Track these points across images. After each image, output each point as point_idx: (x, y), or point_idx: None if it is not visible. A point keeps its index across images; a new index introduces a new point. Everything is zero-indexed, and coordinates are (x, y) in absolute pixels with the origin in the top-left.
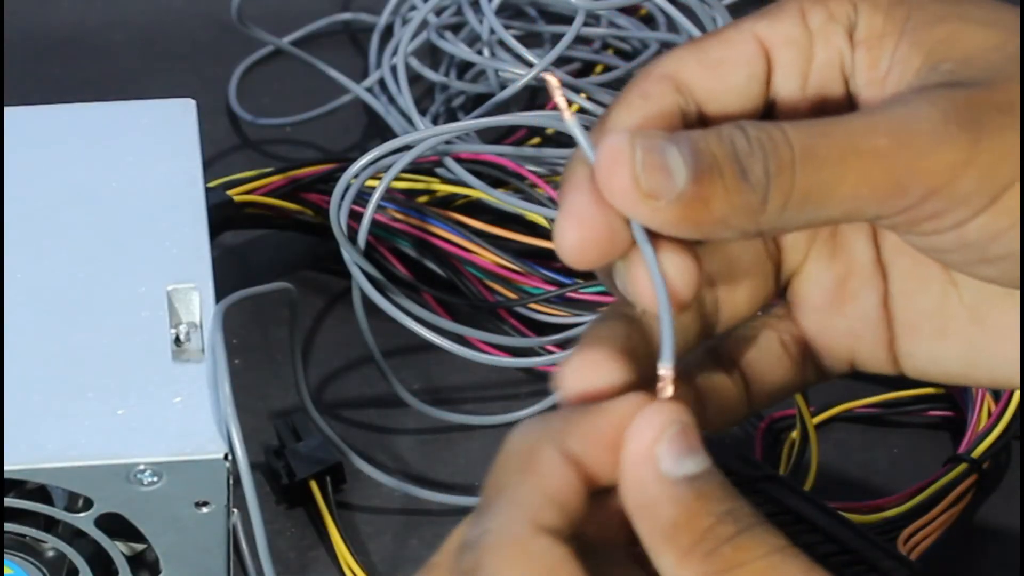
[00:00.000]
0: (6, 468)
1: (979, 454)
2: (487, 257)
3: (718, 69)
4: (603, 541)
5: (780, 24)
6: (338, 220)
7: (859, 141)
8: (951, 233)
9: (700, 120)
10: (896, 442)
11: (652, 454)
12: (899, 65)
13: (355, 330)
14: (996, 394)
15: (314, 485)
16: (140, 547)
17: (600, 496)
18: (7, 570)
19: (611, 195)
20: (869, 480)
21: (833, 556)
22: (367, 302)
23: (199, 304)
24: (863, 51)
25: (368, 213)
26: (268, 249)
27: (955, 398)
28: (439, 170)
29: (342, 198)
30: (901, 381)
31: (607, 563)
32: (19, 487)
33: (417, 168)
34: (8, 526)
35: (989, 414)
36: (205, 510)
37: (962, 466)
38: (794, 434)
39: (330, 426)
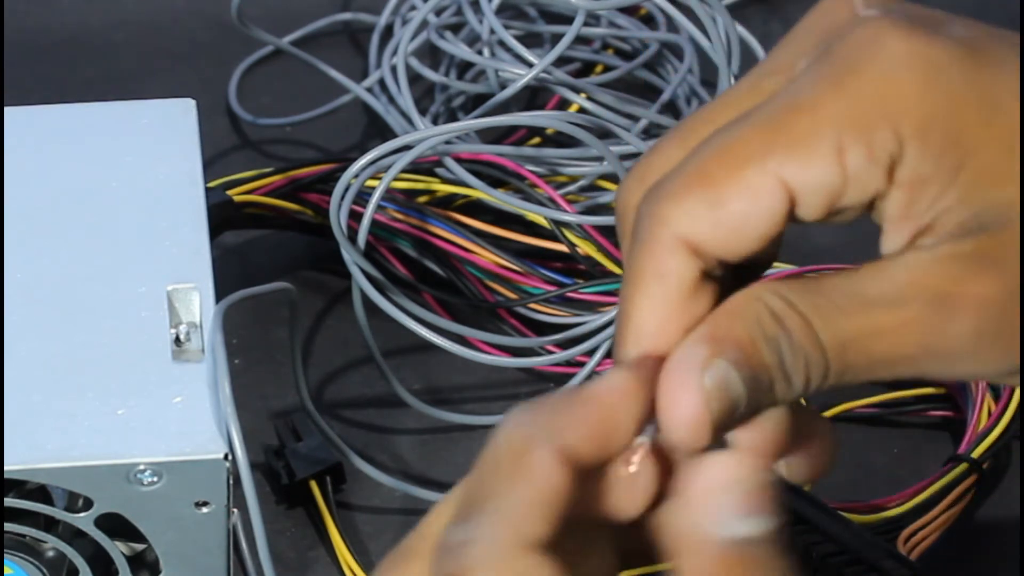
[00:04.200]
0: (6, 468)
1: (979, 454)
2: (487, 257)
3: (738, 230)
4: (582, 517)
5: (812, 168)
6: (338, 220)
7: (881, 322)
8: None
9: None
10: (896, 442)
11: (709, 505)
12: (940, 216)
13: (355, 330)
14: (996, 394)
15: (314, 485)
16: (140, 547)
17: (585, 475)
18: (7, 570)
19: (677, 435)
20: (869, 480)
21: (833, 556)
22: (367, 302)
23: (199, 304)
24: (902, 193)
25: (368, 213)
26: (268, 249)
27: (955, 398)
28: (439, 170)
29: (342, 198)
30: (901, 381)
31: (584, 540)
32: (19, 487)
33: (417, 168)
34: (8, 526)
35: (989, 414)
36: (205, 510)
37: (962, 466)
38: None
39: (330, 426)
